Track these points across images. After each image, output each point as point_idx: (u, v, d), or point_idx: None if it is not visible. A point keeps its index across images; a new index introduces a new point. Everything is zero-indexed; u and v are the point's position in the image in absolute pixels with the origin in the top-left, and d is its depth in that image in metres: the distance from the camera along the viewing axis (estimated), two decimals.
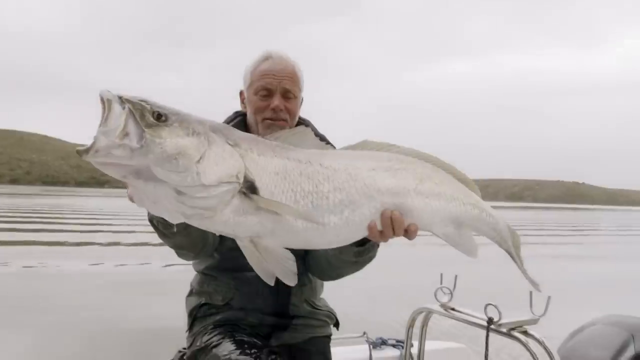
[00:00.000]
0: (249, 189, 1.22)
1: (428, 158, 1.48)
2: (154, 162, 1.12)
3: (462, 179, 1.52)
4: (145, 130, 1.12)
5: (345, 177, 1.33)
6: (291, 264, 1.31)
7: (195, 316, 1.92)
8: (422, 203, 1.41)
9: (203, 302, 1.91)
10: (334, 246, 1.41)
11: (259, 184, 1.23)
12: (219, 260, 1.88)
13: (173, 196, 1.15)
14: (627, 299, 7.62)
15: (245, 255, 1.32)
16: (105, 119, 1.10)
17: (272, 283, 1.33)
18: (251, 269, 1.84)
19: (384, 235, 1.38)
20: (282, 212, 1.25)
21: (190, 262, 1.95)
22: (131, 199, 1.22)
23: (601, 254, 16.41)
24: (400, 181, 1.39)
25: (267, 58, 1.85)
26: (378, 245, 1.62)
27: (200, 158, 1.16)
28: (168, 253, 1.80)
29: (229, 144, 1.23)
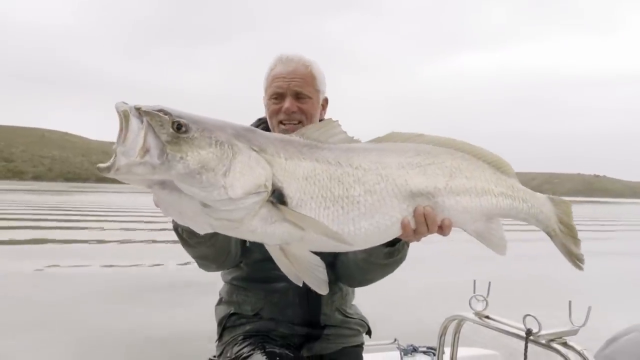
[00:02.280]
0: (277, 197, 1.17)
1: (457, 145, 1.42)
2: (177, 178, 1.09)
3: (493, 161, 1.46)
4: (166, 145, 1.08)
5: (376, 179, 1.28)
6: (321, 271, 1.28)
7: (224, 325, 1.89)
8: (454, 201, 1.37)
9: (232, 311, 1.89)
10: (363, 248, 1.37)
11: (287, 191, 1.19)
12: (247, 272, 1.85)
13: (199, 208, 1.12)
14: None
15: (273, 258, 1.29)
16: (124, 137, 1.07)
17: (300, 284, 1.30)
18: (281, 280, 1.80)
19: (417, 233, 1.34)
20: (310, 228, 1.20)
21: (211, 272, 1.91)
22: (157, 206, 1.19)
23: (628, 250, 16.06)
24: (430, 179, 1.34)
25: (278, 62, 1.83)
26: (408, 246, 1.59)
27: (226, 170, 1.11)
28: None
29: (254, 150, 1.18)
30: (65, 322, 6.03)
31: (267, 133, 1.29)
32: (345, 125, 1.74)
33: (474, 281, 2.11)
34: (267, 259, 1.78)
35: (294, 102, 1.76)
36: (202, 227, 1.19)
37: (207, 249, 1.57)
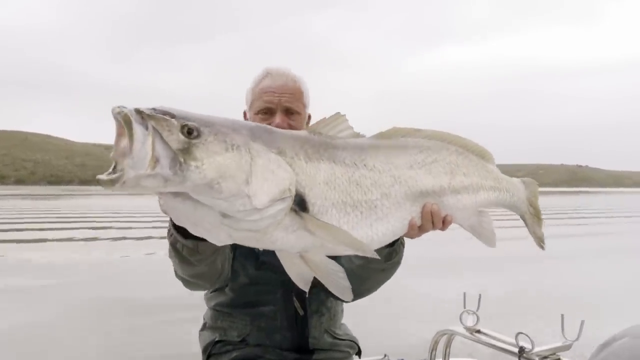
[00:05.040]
0: (298, 204, 1.09)
1: (449, 138, 1.43)
2: (193, 190, 0.98)
3: (478, 152, 1.49)
4: (178, 153, 0.96)
5: (390, 181, 1.26)
6: (342, 277, 1.23)
7: (209, 353, 1.82)
8: (455, 200, 1.39)
9: (217, 338, 1.81)
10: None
11: (308, 197, 1.11)
12: (231, 297, 1.78)
13: (218, 219, 1.02)
14: None
15: (282, 264, 1.23)
16: (130, 147, 0.93)
17: (307, 289, 1.26)
18: (267, 304, 1.74)
19: (421, 230, 1.34)
20: (333, 237, 1.12)
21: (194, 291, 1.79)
22: (165, 213, 1.07)
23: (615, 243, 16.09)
24: (436, 179, 1.35)
25: (266, 75, 1.76)
26: (404, 246, 1.58)
27: (247, 177, 1.01)
28: None
29: (273, 152, 1.08)
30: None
31: (283, 131, 1.20)
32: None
33: (464, 294, 2.07)
34: (254, 283, 1.72)
35: (284, 118, 1.69)
36: (219, 239, 1.08)
37: (206, 267, 1.48)
